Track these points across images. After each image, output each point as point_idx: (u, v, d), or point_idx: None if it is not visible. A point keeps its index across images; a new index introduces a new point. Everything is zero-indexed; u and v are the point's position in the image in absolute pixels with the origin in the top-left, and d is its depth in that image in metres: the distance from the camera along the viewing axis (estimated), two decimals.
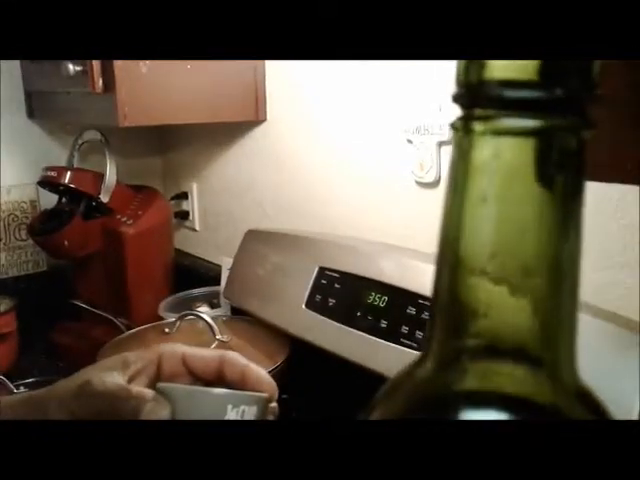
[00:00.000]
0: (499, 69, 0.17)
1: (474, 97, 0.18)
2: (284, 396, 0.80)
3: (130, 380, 0.42)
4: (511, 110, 0.16)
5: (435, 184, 0.82)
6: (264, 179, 1.13)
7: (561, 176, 0.17)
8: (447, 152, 0.80)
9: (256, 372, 0.44)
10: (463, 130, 0.18)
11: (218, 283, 1.13)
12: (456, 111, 0.20)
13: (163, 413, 0.39)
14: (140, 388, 0.41)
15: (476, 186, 0.18)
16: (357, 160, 0.94)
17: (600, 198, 0.65)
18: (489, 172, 0.17)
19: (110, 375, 0.41)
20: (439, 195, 0.84)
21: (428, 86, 0.80)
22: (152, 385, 0.43)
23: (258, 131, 1.12)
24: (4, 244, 1.23)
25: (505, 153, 0.17)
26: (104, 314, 1.07)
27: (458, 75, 0.18)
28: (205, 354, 0.45)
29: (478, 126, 0.17)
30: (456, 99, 0.18)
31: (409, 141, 0.83)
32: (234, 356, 0.44)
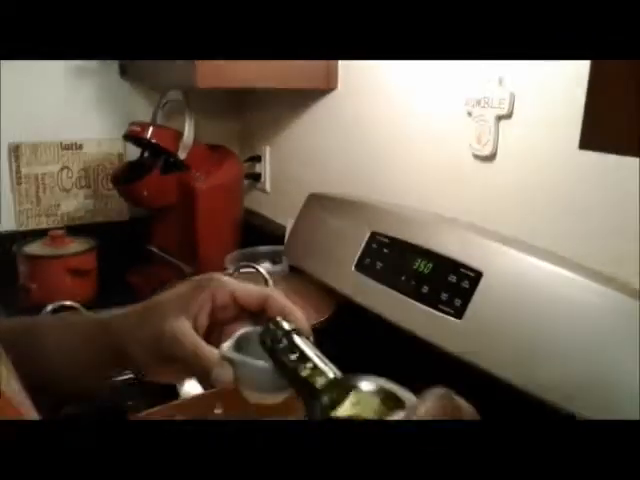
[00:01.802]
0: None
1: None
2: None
3: (194, 320, 0.47)
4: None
5: (491, 158, 0.82)
6: (331, 146, 1.17)
7: None
8: (506, 126, 0.80)
9: (294, 312, 0.47)
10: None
11: (283, 243, 1.18)
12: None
13: (227, 380, 0.44)
14: (208, 350, 0.45)
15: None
16: (419, 131, 0.95)
17: (602, 170, 0.64)
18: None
19: (182, 324, 0.46)
20: (495, 169, 0.85)
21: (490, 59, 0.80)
22: (211, 319, 0.48)
23: (329, 99, 1.15)
24: (92, 192, 1.35)
25: None
26: (174, 261, 1.16)
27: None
28: (252, 290, 0.48)
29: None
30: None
31: (469, 113, 0.84)
32: (278, 295, 0.48)
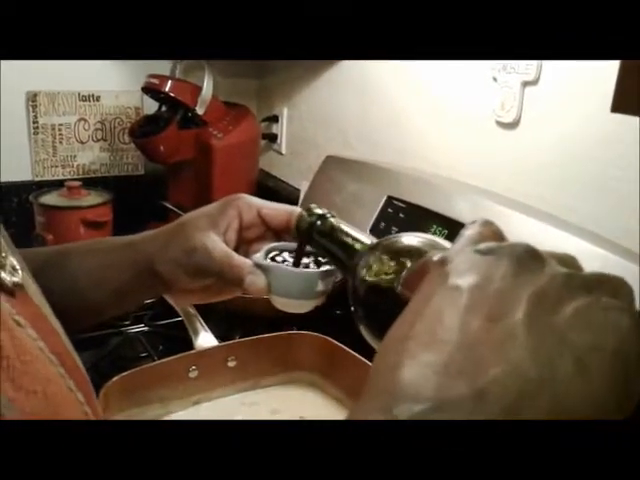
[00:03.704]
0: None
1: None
2: (338, 312, 0.85)
3: (223, 236, 0.47)
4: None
5: (514, 125, 0.81)
6: (350, 109, 1.15)
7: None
8: (531, 93, 0.79)
9: None
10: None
11: (297, 206, 1.18)
12: None
13: (260, 286, 0.45)
14: (240, 259, 0.46)
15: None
16: (441, 95, 0.94)
17: (628, 138, 0.63)
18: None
19: (212, 237, 0.46)
20: (517, 136, 0.84)
21: None
22: (238, 236, 0.49)
23: (349, 61, 1.13)
24: (109, 145, 1.34)
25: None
26: None
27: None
28: (278, 207, 0.50)
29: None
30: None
31: (494, 79, 0.83)
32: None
